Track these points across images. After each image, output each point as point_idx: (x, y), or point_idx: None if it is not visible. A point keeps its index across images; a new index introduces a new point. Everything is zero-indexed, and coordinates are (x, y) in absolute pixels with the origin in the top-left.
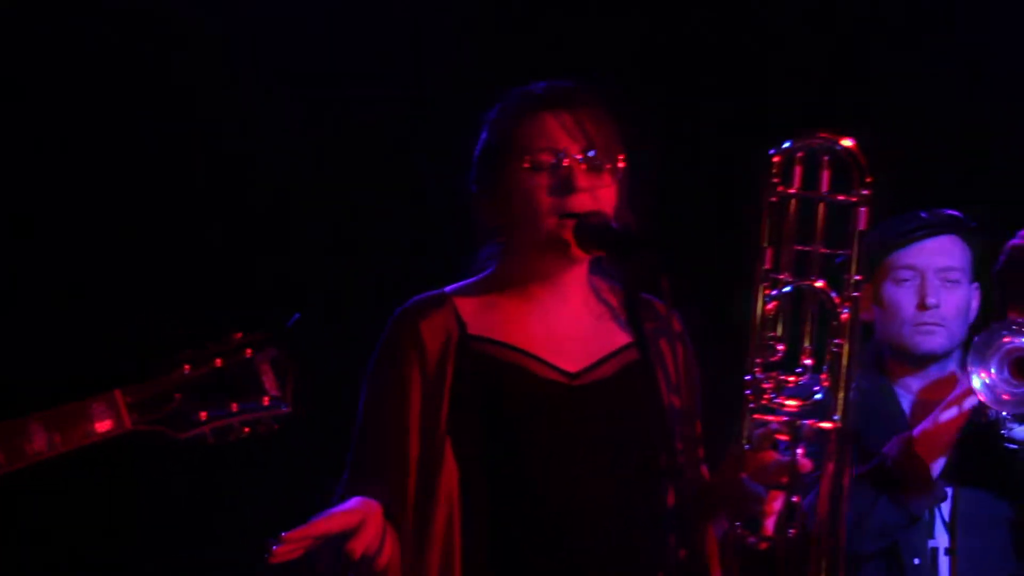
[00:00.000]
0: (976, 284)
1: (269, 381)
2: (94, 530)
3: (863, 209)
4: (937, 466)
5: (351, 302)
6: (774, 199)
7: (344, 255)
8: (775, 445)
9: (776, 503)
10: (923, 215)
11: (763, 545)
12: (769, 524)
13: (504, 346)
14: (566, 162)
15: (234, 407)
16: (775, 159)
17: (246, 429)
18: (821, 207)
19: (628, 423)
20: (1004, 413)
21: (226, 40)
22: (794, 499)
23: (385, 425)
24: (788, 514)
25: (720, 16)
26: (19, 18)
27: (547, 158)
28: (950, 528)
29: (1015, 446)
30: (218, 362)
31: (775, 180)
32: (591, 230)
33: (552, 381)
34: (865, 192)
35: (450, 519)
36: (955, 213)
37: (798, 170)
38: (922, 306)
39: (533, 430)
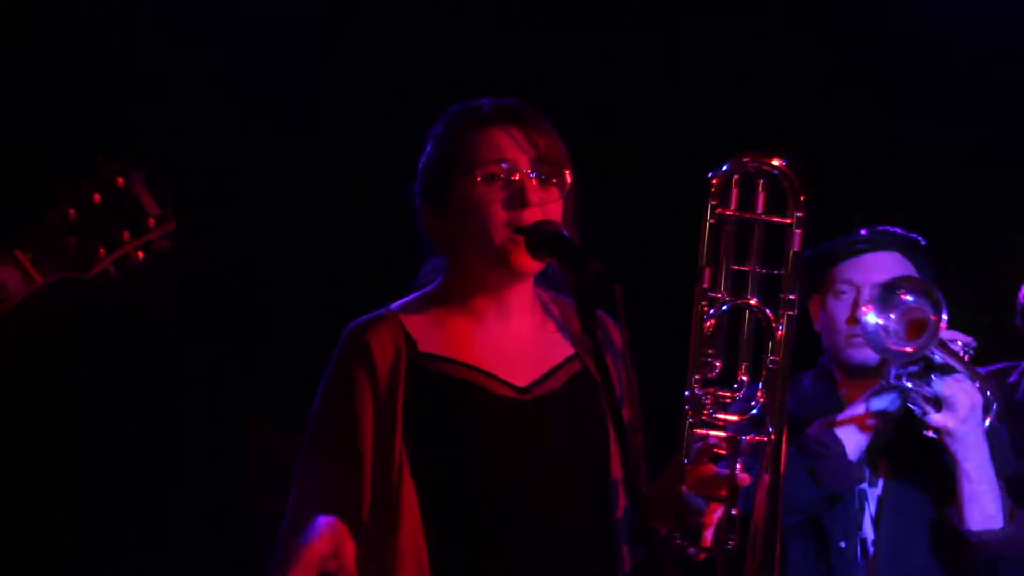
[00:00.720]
0: None
1: (148, 201)
2: None
3: (798, 231)
4: (855, 449)
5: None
6: (712, 220)
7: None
8: (714, 459)
9: (715, 515)
10: (864, 232)
11: (702, 556)
12: (708, 535)
13: (455, 363)
14: (516, 176)
15: (126, 235)
16: (713, 181)
17: (140, 254)
18: (757, 228)
19: (580, 434)
20: (893, 370)
21: (225, 40)
22: (733, 511)
23: (338, 448)
24: (727, 525)
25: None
26: (18, 17)
27: (498, 170)
28: (876, 522)
29: (933, 434)
30: (96, 197)
31: (713, 202)
32: (545, 238)
33: (503, 396)
34: (799, 214)
35: (416, 540)
36: (897, 230)
37: (735, 192)
38: (851, 320)
39: (487, 446)
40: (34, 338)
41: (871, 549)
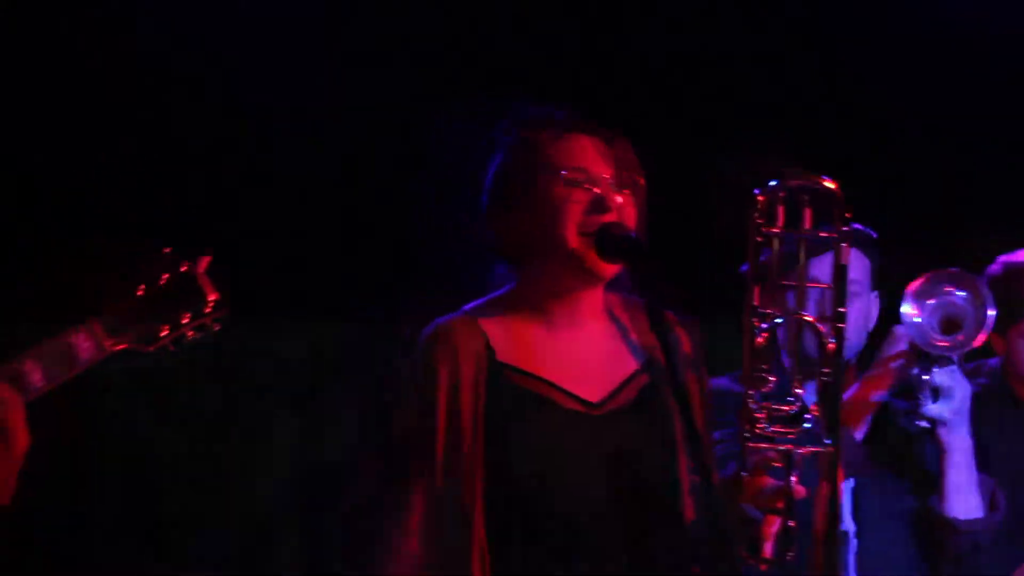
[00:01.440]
0: (876, 292)
1: (207, 286)
2: None
3: (844, 245)
4: (860, 433)
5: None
6: (759, 238)
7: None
8: (771, 471)
9: (773, 527)
10: None
11: (763, 567)
12: (768, 547)
13: (530, 376)
14: (597, 183)
15: (186, 317)
16: (760, 199)
17: (190, 334)
18: (803, 244)
19: (650, 448)
20: (916, 371)
21: (225, 40)
22: (791, 523)
23: (413, 448)
24: (785, 537)
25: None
26: (17, 17)
27: (580, 177)
28: (854, 515)
29: (926, 423)
30: (164, 278)
31: (759, 220)
32: (615, 239)
33: (575, 412)
34: (845, 229)
35: (482, 554)
36: (854, 226)
37: (781, 209)
38: None
39: (559, 462)
40: None
41: (854, 541)
